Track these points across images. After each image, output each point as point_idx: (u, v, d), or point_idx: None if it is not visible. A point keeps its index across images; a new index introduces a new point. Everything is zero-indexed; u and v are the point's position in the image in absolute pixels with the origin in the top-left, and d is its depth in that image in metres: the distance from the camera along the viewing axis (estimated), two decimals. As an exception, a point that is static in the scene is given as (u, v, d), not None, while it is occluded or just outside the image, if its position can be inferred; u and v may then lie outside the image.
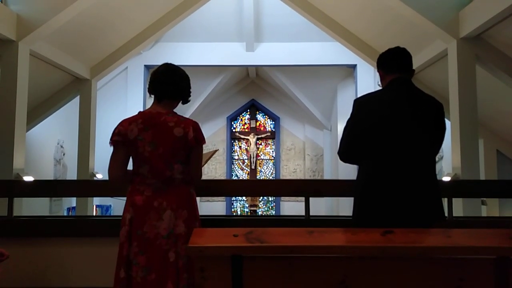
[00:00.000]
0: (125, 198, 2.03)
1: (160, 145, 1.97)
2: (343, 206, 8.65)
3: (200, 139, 2.02)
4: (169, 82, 2.06)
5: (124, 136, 1.99)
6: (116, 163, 2.01)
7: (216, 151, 2.77)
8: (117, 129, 2.02)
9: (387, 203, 1.89)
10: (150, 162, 1.97)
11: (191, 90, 2.17)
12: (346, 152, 2.07)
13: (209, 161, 2.25)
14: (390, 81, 2.05)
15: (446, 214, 2.52)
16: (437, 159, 2.16)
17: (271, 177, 11.97)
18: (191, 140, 1.99)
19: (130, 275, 1.92)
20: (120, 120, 2.05)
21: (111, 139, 2.01)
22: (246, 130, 12.27)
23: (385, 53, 2.12)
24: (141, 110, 2.40)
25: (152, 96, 2.10)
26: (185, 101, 2.16)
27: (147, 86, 2.15)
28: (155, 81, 2.08)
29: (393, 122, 1.94)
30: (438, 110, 2.01)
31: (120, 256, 1.95)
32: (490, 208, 6.06)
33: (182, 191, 2.01)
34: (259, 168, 12.17)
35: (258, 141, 12.14)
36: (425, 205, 1.91)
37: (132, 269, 1.92)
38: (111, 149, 2.03)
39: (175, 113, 2.09)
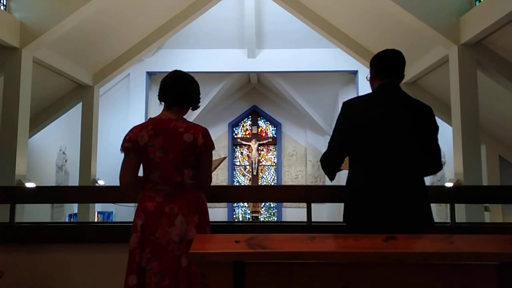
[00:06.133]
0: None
1: (170, 151, 1.98)
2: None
3: (209, 145, 2.04)
4: (177, 89, 2.07)
5: (135, 143, 2.00)
6: (127, 169, 2.03)
7: (225, 158, 2.79)
8: (128, 135, 2.03)
9: (376, 207, 1.88)
10: (161, 168, 1.98)
11: (200, 96, 2.18)
12: (335, 161, 2.05)
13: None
14: (379, 85, 2.04)
15: (449, 220, 2.52)
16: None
17: (272, 183, 11.95)
18: (201, 145, 2.00)
19: (142, 282, 1.92)
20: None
21: (122, 146, 2.03)
22: (248, 136, 12.28)
23: (381, 54, 2.08)
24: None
25: (162, 103, 2.11)
26: (195, 107, 2.17)
27: (157, 94, 2.15)
28: (164, 88, 2.10)
29: (382, 125, 1.93)
30: (428, 113, 2.00)
31: (131, 263, 1.94)
32: (493, 214, 6.03)
33: (193, 196, 2.02)
34: (260, 174, 12.16)
35: (259, 147, 12.15)
36: (414, 209, 1.90)
37: (146, 275, 1.93)
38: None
39: (185, 119, 2.10)
